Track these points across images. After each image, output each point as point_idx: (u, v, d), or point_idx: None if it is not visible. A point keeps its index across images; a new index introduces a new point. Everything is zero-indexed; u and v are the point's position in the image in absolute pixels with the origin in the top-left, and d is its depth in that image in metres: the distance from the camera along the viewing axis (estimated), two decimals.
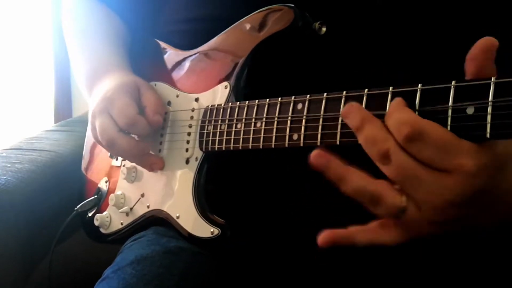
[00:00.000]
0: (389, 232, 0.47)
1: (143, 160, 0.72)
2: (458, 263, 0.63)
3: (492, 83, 0.41)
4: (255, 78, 0.66)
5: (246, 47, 0.66)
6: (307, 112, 0.55)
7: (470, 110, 0.42)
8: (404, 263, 0.64)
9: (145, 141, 0.72)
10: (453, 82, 0.43)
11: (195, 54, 0.74)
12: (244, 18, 0.67)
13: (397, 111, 0.43)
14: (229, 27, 0.69)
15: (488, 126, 0.41)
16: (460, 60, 0.62)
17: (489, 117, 0.41)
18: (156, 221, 0.73)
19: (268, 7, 0.64)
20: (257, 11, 0.65)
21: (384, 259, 0.65)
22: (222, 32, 0.70)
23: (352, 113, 0.46)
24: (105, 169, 0.84)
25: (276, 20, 0.63)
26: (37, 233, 0.89)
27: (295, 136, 0.56)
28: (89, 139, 0.90)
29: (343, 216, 0.65)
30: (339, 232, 0.49)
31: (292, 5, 0.62)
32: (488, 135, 0.41)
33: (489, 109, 0.41)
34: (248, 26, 0.66)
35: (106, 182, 0.83)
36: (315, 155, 0.46)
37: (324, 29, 0.61)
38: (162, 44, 0.81)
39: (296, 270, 0.68)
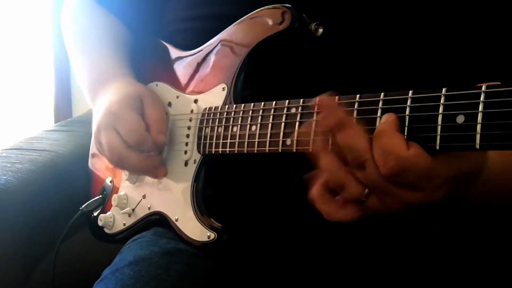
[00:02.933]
0: (345, 209, 0.48)
1: (149, 172, 0.72)
2: (458, 263, 0.62)
3: (482, 92, 0.39)
4: (252, 80, 0.66)
5: (244, 49, 0.65)
6: (301, 117, 0.54)
7: (460, 119, 0.41)
8: (404, 264, 0.63)
9: (152, 156, 0.71)
10: (443, 90, 0.42)
11: (195, 55, 0.74)
12: (242, 18, 0.66)
13: (386, 136, 0.43)
14: (227, 28, 0.68)
15: (478, 136, 0.39)
16: (457, 61, 0.60)
17: (479, 127, 0.39)
18: (157, 222, 0.73)
19: (265, 7, 0.64)
20: (254, 12, 0.65)
21: (384, 259, 0.64)
22: (220, 33, 0.69)
23: (330, 108, 0.47)
24: (110, 169, 0.84)
25: (273, 21, 0.62)
26: (37, 233, 0.90)
27: (288, 141, 0.55)
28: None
29: (339, 224, 0.64)
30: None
31: (289, 5, 0.61)
32: (477, 146, 0.39)
33: (479, 118, 0.39)
34: (245, 27, 0.66)
35: (110, 181, 0.83)
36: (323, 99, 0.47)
37: (320, 30, 0.60)
38: (165, 44, 0.80)
39: (293, 273, 0.68)
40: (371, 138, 0.44)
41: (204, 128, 0.67)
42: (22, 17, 2.15)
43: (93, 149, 0.91)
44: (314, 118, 0.52)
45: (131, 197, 0.77)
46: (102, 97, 0.74)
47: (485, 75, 0.54)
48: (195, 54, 0.74)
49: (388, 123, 0.44)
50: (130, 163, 0.69)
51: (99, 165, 0.88)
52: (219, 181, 0.69)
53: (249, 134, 0.60)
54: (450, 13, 0.59)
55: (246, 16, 0.65)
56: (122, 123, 0.68)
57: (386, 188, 0.44)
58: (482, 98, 0.39)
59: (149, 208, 0.74)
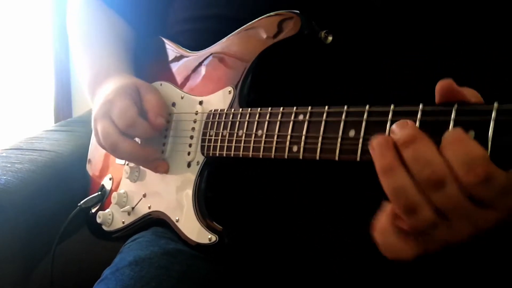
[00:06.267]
0: (412, 245, 0.44)
1: (148, 163, 0.72)
2: (458, 264, 0.63)
3: (494, 109, 0.40)
4: (259, 84, 0.66)
5: (252, 53, 0.65)
6: (308, 125, 0.54)
7: (470, 134, 0.41)
8: (401, 267, 0.64)
9: (148, 145, 0.72)
10: (455, 106, 0.42)
11: (201, 56, 0.73)
12: (251, 22, 0.66)
13: (463, 143, 0.39)
14: (236, 30, 0.68)
15: (488, 150, 0.40)
16: (466, 65, 0.60)
17: (489, 144, 0.40)
18: (157, 222, 0.73)
19: (275, 12, 0.64)
20: (264, 16, 0.65)
21: (384, 261, 0.64)
22: (229, 35, 0.69)
23: (403, 126, 0.42)
24: (110, 167, 0.84)
25: (282, 27, 0.62)
26: (37, 233, 0.90)
27: (294, 148, 0.55)
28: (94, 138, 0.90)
29: (341, 225, 0.65)
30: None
31: (299, 12, 0.61)
32: None
33: (490, 134, 0.40)
34: (254, 31, 0.66)
35: (110, 179, 0.83)
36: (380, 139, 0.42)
37: (330, 38, 0.60)
38: (170, 43, 0.80)
39: (293, 276, 0.68)
40: (441, 150, 0.40)
41: (208, 130, 0.67)
42: (22, 17, 2.14)
43: (90, 154, 0.90)
44: (322, 128, 0.52)
45: (131, 196, 0.77)
46: (100, 91, 0.74)
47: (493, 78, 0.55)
48: (201, 54, 0.74)
49: (458, 133, 0.40)
50: (123, 150, 0.69)
51: (97, 168, 0.88)
52: (221, 184, 0.69)
53: (254, 139, 0.60)
54: (458, 18, 0.60)
55: (255, 20, 0.65)
56: (114, 110, 0.69)
57: (465, 207, 0.40)
58: (493, 114, 0.40)
59: (149, 208, 0.74)
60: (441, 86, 0.42)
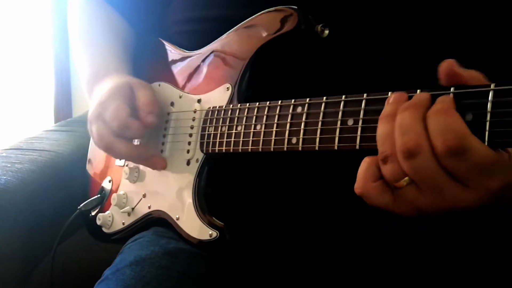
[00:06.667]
0: (381, 191, 0.45)
1: (144, 160, 0.72)
2: (458, 264, 0.63)
3: (491, 90, 0.40)
4: (257, 80, 0.66)
5: (249, 49, 0.65)
6: (307, 116, 0.54)
7: (468, 117, 0.41)
8: (404, 265, 0.64)
9: (144, 143, 0.72)
10: (452, 89, 0.42)
11: (199, 55, 0.74)
12: (248, 19, 0.67)
13: (445, 114, 0.40)
14: (233, 28, 0.69)
15: (486, 134, 0.40)
16: (462, 61, 0.61)
17: (487, 125, 0.40)
18: (157, 221, 0.73)
19: (271, 8, 0.64)
20: (260, 13, 0.65)
21: (384, 262, 0.64)
22: (226, 33, 0.70)
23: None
24: (109, 168, 0.84)
25: (279, 22, 0.63)
26: (37, 233, 0.90)
27: (294, 140, 0.55)
28: None
29: (341, 220, 0.65)
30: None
31: (295, 7, 0.62)
32: (485, 143, 0.40)
33: (488, 116, 0.40)
34: (251, 27, 0.66)
35: (109, 181, 0.83)
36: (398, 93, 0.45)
37: (326, 31, 0.61)
38: (167, 44, 0.81)
39: (295, 273, 0.68)
40: (425, 119, 0.41)
41: (207, 127, 0.67)
42: (22, 17, 2.15)
43: (90, 154, 0.91)
44: (320, 118, 0.52)
45: (130, 196, 0.77)
46: (96, 92, 0.75)
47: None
48: (198, 54, 0.74)
49: (446, 102, 0.41)
50: (118, 150, 0.70)
51: (96, 169, 0.88)
52: (221, 180, 0.69)
53: (253, 133, 0.60)
54: (456, 17, 0.60)
55: (252, 17, 0.66)
56: (107, 112, 0.69)
57: (435, 178, 0.40)
58: (490, 95, 0.40)
59: (149, 207, 0.74)
60: (442, 67, 0.43)
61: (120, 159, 0.79)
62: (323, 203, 0.66)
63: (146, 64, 0.83)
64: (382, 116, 0.44)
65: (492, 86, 0.40)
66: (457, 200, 0.41)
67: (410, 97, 0.45)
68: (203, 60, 0.73)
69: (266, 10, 0.64)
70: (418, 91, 0.45)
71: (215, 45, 0.71)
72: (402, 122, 0.42)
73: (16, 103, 2.18)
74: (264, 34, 0.64)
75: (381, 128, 0.44)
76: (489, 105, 0.40)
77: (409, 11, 0.61)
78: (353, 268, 0.66)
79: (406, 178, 0.42)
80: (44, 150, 1.05)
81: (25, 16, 2.15)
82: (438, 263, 0.62)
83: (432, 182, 0.41)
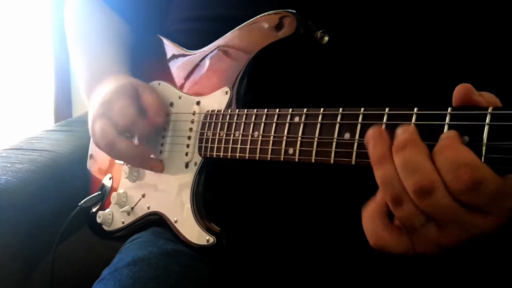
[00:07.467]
0: (397, 237, 0.43)
1: (143, 162, 0.72)
2: (458, 264, 0.63)
3: (488, 114, 0.39)
4: (255, 84, 0.66)
5: (248, 53, 0.65)
6: (304, 127, 0.54)
7: (465, 140, 0.41)
8: (404, 265, 0.64)
9: (144, 144, 0.72)
10: (449, 109, 0.42)
11: (199, 55, 0.73)
12: (248, 21, 0.66)
13: (453, 149, 0.39)
14: (232, 30, 0.68)
15: (482, 159, 0.39)
16: (464, 67, 0.60)
17: (484, 148, 0.40)
18: (156, 222, 0.73)
19: (271, 12, 0.63)
20: (260, 15, 0.64)
21: (384, 263, 0.64)
22: (225, 35, 0.69)
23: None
24: (110, 165, 0.84)
25: (279, 26, 0.62)
26: (37, 233, 0.90)
27: (290, 151, 0.55)
28: None
29: (339, 226, 0.65)
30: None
31: (295, 11, 0.61)
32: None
33: (484, 139, 0.39)
34: (251, 30, 0.65)
35: (110, 178, 0.83)
36: (374, 131, 0.43)
37: (326, 38, 0.60)
38: (167, 42, 0.80)
39: (292, 276, 0.68)
40: (432, 156, 0.40)
41: (206, 131, 0.67)
42: (22, 17, 2.13)
43: (91, 150, 0.91)
44: (317, 131, 0.52)
45: (130, 196, 0.77)
46: (97, 92, 0.75)
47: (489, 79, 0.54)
48: (199, 54, 0.73)
49: (450, 137, 0.40)
50: (119, 149, 0.70)
51: (97, 165, 0.88)
52: (219, 185, 0.69)
53: (251, 140, 0.60)
54: (455, 20, 0.59)
55: (251, 19, 0.65)
56: (113, 110, 0.69)
57: (455, 213, 0.39)
58: (488, 118, 0.39)
59: (148, 208, 0.74)
60: (458, 92, 0.41)
61: (119, 160, 0.79)
62: (321, 208, 0.66)
63: (146, 62, 0.83)
64: (376, 161, 0.42)
65: (490, 109, 0.39)
66: (479, 228, 0.40)
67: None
68: (203, 61, 0.72)
69: (266, 13, 0.63)
70: (415, 108, 0.44)
71: (214, 46, 0.70)
72: (407, 161, 0.40)
73: (16, 103, 2.18)
74: (263, 38, 0.63)
75: (380, 172, 0.42)
76: (486, 128, 0.39)
77: (409, 15, 0.61)
78: (348, 272, 0.66)
79: (422, 217, 0.41)
80: (44, 150, 1.05)
81: (25, 16, 2.13)
82: (438, 263, 0.62)
83: (452, 217, 0.40)
